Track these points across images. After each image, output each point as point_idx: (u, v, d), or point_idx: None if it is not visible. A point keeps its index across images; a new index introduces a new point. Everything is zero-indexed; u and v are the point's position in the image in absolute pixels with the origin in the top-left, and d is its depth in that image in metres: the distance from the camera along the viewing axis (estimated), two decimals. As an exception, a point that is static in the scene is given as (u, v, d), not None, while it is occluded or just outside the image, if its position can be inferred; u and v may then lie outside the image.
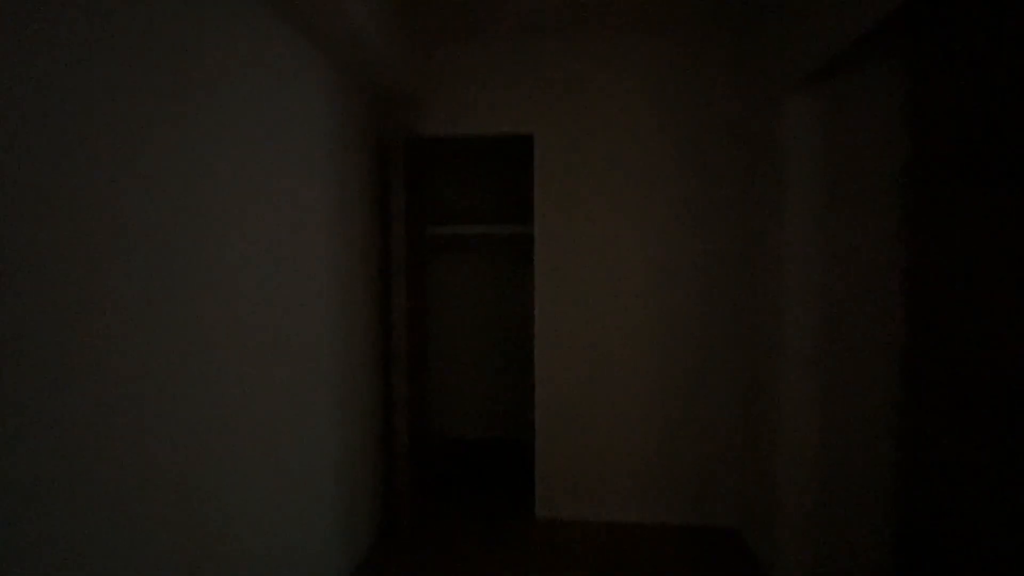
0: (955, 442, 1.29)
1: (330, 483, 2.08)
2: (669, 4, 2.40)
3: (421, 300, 3.04)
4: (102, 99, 1.04)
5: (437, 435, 4.03)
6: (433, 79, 2.77)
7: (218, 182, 1.40)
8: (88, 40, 1.01)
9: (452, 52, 2.76)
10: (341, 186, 2.23)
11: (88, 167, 1.01)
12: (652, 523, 2.74)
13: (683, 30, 2.65)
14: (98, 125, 1.04)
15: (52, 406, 0.94)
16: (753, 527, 2.51)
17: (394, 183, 2.60)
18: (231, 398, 1.45)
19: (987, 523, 1.18)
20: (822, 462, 2.06)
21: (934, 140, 1.37)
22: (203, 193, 1.34)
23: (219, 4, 1.40)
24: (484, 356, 4.01)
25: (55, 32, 0.95)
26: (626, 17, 2.60)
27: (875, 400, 1.72)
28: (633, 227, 2.72)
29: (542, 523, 2.73)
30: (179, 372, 1.25)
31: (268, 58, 1.65)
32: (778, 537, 2.21)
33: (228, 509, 1.43)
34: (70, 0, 0.97)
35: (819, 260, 2.07)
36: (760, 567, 2.36)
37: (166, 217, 1.21)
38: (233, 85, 1.46)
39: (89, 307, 1.01)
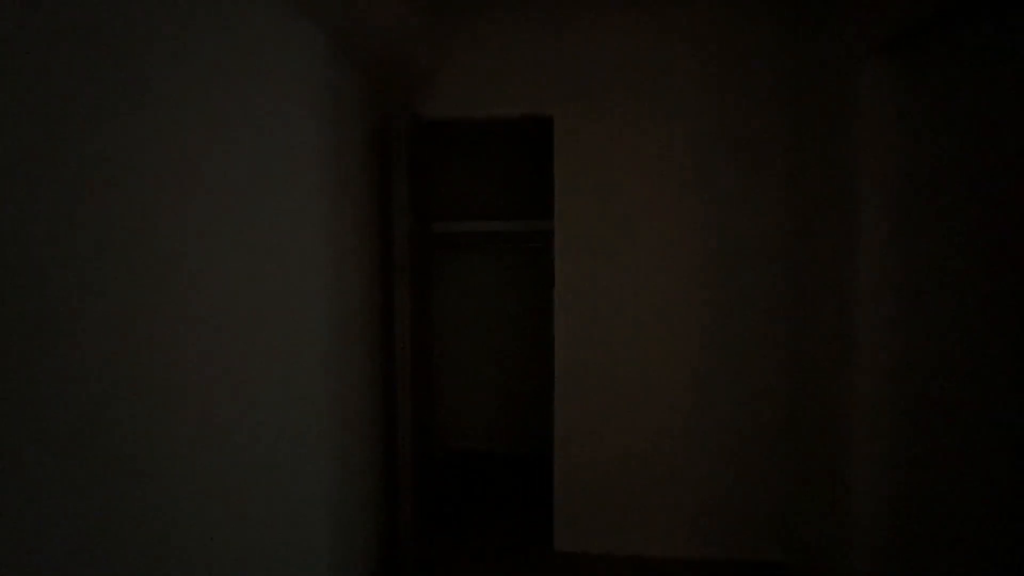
0: None
1: (322, 515, 1.78)
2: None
3: (426, 303, 2.74)
4: (37, 71, 0.75)
5: (444, 449, 3.73)
6: (442, 53, 2.46)
7: (177, 166, 1.10)
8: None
9: (463, 23, 2.45)
10: (335, 175, 1.93)
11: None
12: (686, 557, 2.42)
13: (725, -3, 2.32)
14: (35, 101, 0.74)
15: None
16: (806, 562, 2.18)
17: (396, 171, 2.29)
18: (202, 418, 1.16)
19: None
20: (904, 489, 1.72)
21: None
22: (156, 180, 1.04)
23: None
24: (496, 364, 3.70)
25: None
26: (660, -19, 2.27)
27: (984, 418, 1.38)
28: (669, 221, 2.39)
29: (561, 557, 2.41)
30: (141, 387, 0.96)
31: (244, 20, 1.35)
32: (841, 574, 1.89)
33: (198, 551, 1.14)
34: None
35: (901, 254, 1.74)
36: (818, 617, 2.03)
37: (109, 208, 0.92)
38: (199, 52, 1.16)
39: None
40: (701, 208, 2.37)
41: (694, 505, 2.42)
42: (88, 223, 0.91)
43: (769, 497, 2.38)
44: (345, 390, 2.02)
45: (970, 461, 1.43)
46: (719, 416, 2.40)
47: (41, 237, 0.82)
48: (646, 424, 2.43)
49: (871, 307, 1.80)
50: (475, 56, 2.45)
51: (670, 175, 2.38)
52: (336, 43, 1.94)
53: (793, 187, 2.31)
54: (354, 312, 2.12)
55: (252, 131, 1.40)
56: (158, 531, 1.07)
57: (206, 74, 1.22)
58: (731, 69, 2.33)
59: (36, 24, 0.82)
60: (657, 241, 2.40)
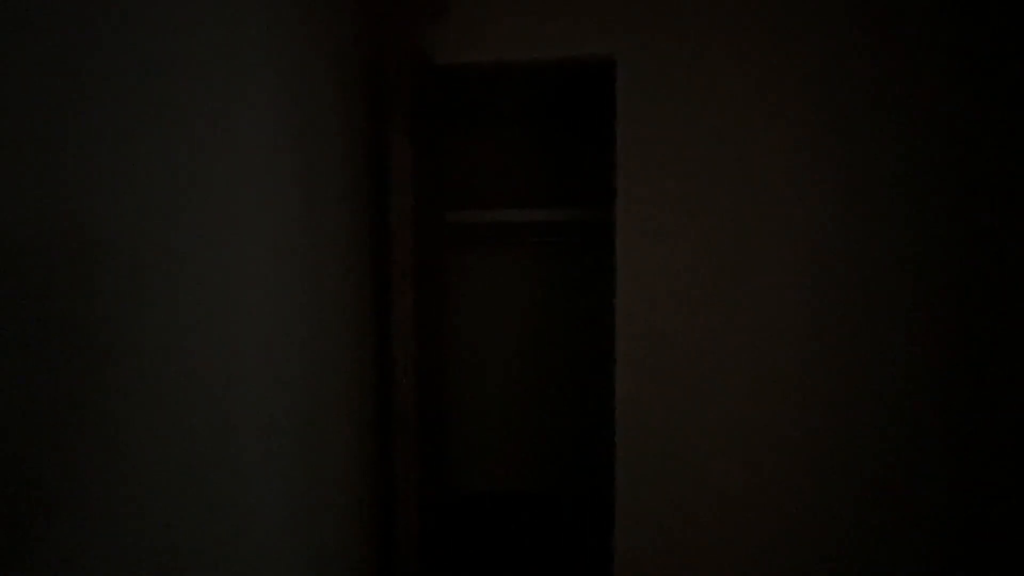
0: None
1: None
2: None
3: (438, 315, 2.06)
4: None
5: (460, 492, 3.06)
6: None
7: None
8: None
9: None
10: (299, 141, 1.25)
11: None
12: None
13: None
14: None
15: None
16: None
17: (394, 132, 1.61)
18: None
19: None
20: None
21: None
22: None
23: None
24: (528, 387, 3.01)
25: None
26: None
27: None
28: (781, 206, 1.68)
29: None
30: None
31: None
32: None
33: None
34: None
35: None
36: None
37: None
38: None
39: None
40: (833, 190, 1.65)
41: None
42: None
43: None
44: (315, 442, 1.34)
45: None
46: (867, 473, 1.68)
47: None
48: (750, 487, 1.73)
49: None
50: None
51: (788, 146, 1.66)
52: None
53: (968, 162, 1.58)
54: (331, 333, 1.44)
55: (164, 66, 0.72)
56: None
57: None
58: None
59: None
60: (766, 237, 1.68)
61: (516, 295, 2.97)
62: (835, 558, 1.70)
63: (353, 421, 1.58)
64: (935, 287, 1.62)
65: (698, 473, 1.75)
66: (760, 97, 1.66)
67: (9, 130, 0.58)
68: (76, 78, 0.67)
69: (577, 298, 2.94)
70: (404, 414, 1.64)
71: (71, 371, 0.66)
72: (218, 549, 0.95)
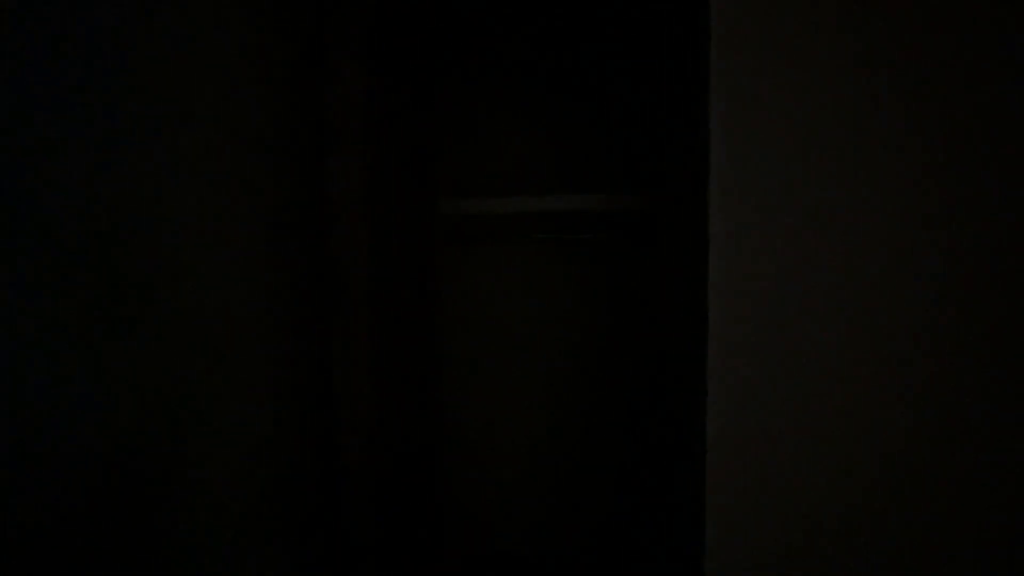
0: None
1: None
2: None
3: (423, 334, 1.41)
4: None
5: (463, 553, 2.41)
6: None
7: None
8: None
9: None
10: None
11: None
12: None
13: None
14: None
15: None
16: None
17: (340, 61, 0.94)
18: None
19: None
20: None
21: None
22: None
23: None
24: (548, 422, 2.35)
25: None
26: None
27: None
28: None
29: None
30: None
31: None
32: None
33: None
34: None
35: None
36: None
37: None
38: None
39: None
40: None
41: None
42: None
43: None
44: None
45: None
46: None
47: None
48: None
49: None
50: None
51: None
52: None
53: None
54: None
55: None
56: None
57: None
58: None
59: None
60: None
61: (535, 308, 2.30)
62: None
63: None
64: None
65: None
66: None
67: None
68: None
69: (613, 310, 2.27)
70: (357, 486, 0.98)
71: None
72: None
